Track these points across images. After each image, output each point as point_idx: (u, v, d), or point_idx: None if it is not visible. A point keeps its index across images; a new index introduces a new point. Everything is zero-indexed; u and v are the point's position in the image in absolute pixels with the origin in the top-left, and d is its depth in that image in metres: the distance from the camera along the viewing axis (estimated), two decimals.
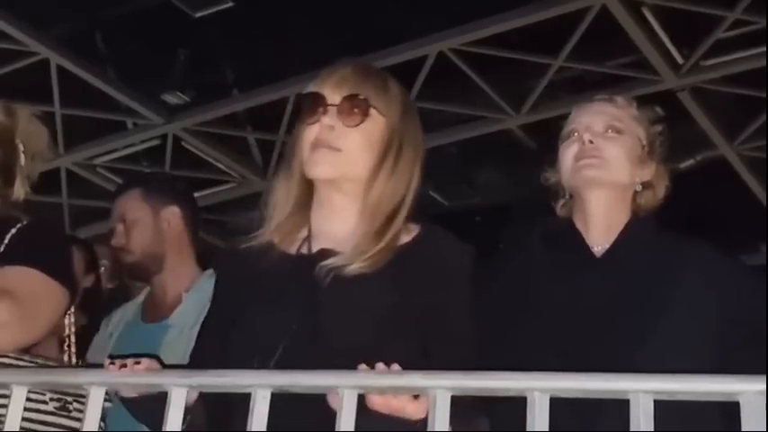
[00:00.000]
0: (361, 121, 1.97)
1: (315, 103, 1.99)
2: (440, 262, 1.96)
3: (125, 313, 3.18)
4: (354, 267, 1.90)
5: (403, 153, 2.00)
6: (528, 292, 2.29)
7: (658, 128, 2.44)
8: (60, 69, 6.27)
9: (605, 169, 2.32)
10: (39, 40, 6.06)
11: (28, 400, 2.38)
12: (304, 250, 1.98)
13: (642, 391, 1.37)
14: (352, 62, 2.07)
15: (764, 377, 1.31)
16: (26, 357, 2.24)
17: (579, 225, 2.35)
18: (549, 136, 2.54)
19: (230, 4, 6.01)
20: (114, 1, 6.14)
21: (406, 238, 1.99)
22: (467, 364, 1.73)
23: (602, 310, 2.19)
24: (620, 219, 2.34)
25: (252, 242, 2.02)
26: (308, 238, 1.99)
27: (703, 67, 6.08)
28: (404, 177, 2.00)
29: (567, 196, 2.42)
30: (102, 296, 3.92)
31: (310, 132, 1.99)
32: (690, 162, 6.71)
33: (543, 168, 2.49)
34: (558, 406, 1.46)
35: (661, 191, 2.41)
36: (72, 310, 2.60)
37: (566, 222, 2.38)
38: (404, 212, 1.99)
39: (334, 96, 1.98)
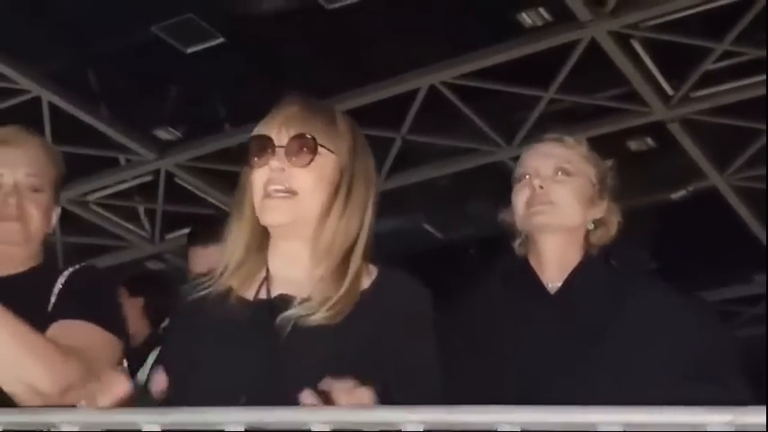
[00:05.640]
0: (311, 161, 1.91)
1: (262, 146, 1.93)
2: (400, 309, 1.91)
3: None
4: (317, 317, 1.85)
5: (354, 190, 1.94)
6: (485, 329, 2.33)
7: (608, 164, 2.47)
8: (52, 107, 6.30)
9: (555, 215, 2.37)
10: (30, 77, 6.10)
11: None
12: (263, 295, 1.93)
13: (611, 423, 1.37)
14: (298, 100, 1.99)
15: (730, 408, 1.31)
16: None
17: (534, 263, 2.40)
18: None
19: (221, 40, 6.04)
20: (105, 37, 6.16)
21: (366, 282, 1.93)
22: (430, 399, 1.72)
23: (555, 347, 2.25)
24: (573, 257, 2.39)
25: (208, 289, 1.96)
26: (266, 282, 1.94)
27: (693, 98, 6.11)
28: (356, 215, 1.94)
29: (523, 236, 2.45)
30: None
31: (260, 176, 1.93)
32: (682, 192, 6.72)
33: (499, 209, 2.52)
34: None
35: (613, 227, 2.44)
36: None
37: (521, 261, 2.41)
38: (360, 252, 1.93)
39: (281, 137, 1.92)
